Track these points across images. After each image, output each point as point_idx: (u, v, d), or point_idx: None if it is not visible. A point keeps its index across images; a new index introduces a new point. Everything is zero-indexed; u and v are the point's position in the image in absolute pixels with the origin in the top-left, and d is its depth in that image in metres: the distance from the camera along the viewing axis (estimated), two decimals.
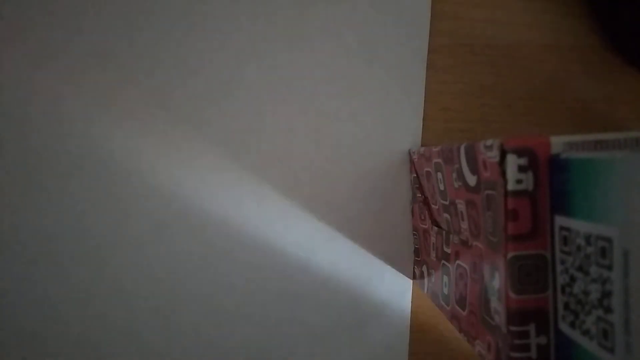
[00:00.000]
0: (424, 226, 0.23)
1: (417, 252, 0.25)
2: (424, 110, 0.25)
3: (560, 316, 0.13)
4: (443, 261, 0.20)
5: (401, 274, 0.25)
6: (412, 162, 0.24)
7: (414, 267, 0.25)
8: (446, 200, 0.19)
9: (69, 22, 0.22)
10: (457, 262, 0.18)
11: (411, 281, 0.25)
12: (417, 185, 0.23)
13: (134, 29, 0.23)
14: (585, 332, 0.12)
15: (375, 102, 0.24)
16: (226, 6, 0.23)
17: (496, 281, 0.14)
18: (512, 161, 0.13)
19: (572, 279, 0.13)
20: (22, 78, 0.22)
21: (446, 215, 0.19)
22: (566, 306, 0.13)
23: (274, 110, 0.24)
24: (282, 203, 0.24)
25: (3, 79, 0.22)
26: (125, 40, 0.23)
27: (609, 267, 0.11)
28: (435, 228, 0.21)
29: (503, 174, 0.13)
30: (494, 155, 0.14)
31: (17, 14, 0.22)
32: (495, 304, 0.14)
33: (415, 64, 0.25)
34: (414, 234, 0.25)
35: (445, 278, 0.20)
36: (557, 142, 0.13)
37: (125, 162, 0.23)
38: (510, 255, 0.13)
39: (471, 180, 0.16)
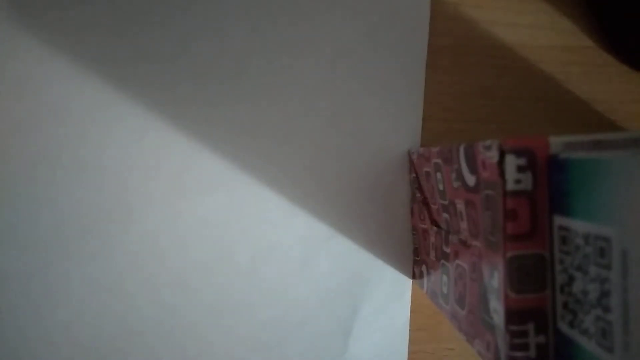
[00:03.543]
0: (423, 226, 0.23)
1: (416, 251, 0.25)
2: (423, 110, 0.25)
3: (559, 315, 0.13)
4: (442, 261, 0.20)
5: (400, 274, 0.25)
6: (411, 162, 0.24)
7: (413, 267, 0.25)
8: (445, 200, 0.19)
9: (72, 21, 0.22)
10: (456, 261, 0.18)
11: (410, 281, 0.25)
12: (417, 185, 0.23)
13: (135, 28, 0.23)
14: (584, 332, 0.12)
15: (375, 102, 0.24)
16: (225, 10, 0.23)
17: (495, 280, 0.14)
18: (511, 161, 0.13)
19: (571, 278, 0.13)
20: (23, 76, 0.22)
21: (445, 215, 0.19)
22: (565, 305, 0.13)
23: (273, 110, 0.24)
24: (281, 203, 0.24)
25: (4, 78, 0.22)
26: (127, 39, 0.23)
27: (608, 267, 0.11)
28: (435, 228, 0.21)
29: (502, 174, 0.13)
30: (492, 155, 0.14)
31: (19, 14, 0.22)
32: (495, 303, 0.14)
33: (415, 64, 0.25)
34: (413, 234, 0.25)
35: (445, 278, 0.20)
36: (556, 142, 0.13)
37: (126, 161, 0.23)
38: (509, 254, 0.13)
39: (470, 180, 0.16)
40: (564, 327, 0.13)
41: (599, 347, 0.12)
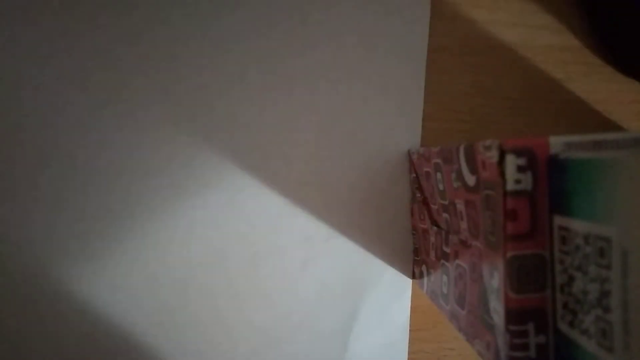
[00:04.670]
0: (423, 226, 0.23)
1: (416, 251, 0.25)
2: (423, 110, 0.25)
3: (559, 315, 0.13)
4: (442, 261, 0.20)
5: (400, 274, 0.25)
6: (411, 162, 0.24)
7: (413, 267, 0.25)
8: (445, 200, 0.19)
9: (71, 21, 0.22)
10: (457, 261, 0.18)
11: (410, 281, 0.25)
12: (417, 185, 0.23)
13: (138, 29, 0.23)
14: (584, 332, 0.12)
15: (375, 102, 0.24)
16: (225, 11, 0.23)
17: (495, 281, 0.14)
18: (511, 161, 0.13)
19: (571, 278, 0.13)
20: (23, 76, 0.22)
21: (445, 215, 0.19)
22: (565, 306, 0.13)
23: (274, 110, 0.24)
24: (281, 203, 0.24)
25: (4, 78, 0.22)
26: (126, 39, 0.23)
27: (608, 267, 0.11)
28: (435, 228, 0.21)
29: (502, 174, 0.13)
30: (492, 155, 0.14)
31: (17, 14, 0.22)
32: (495, 304, 0.14)
33: (415, 64, 0.25)
34: (413, 234, 0.25)
35: (445, 277, 0.20)
36: (556, 142, 0.13)
37: (127, 161, 0.23)
38: (509, 254, 0.13)
39: (470, 180, 0.16)
40: (564, 327, 0.13)
41: (599, 347, 0.12)
